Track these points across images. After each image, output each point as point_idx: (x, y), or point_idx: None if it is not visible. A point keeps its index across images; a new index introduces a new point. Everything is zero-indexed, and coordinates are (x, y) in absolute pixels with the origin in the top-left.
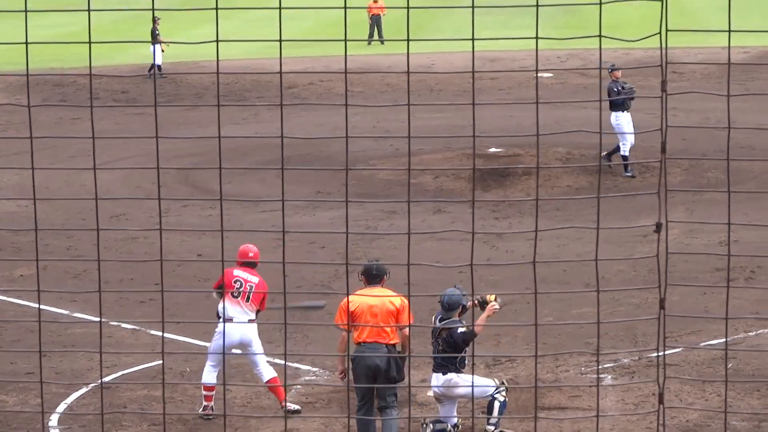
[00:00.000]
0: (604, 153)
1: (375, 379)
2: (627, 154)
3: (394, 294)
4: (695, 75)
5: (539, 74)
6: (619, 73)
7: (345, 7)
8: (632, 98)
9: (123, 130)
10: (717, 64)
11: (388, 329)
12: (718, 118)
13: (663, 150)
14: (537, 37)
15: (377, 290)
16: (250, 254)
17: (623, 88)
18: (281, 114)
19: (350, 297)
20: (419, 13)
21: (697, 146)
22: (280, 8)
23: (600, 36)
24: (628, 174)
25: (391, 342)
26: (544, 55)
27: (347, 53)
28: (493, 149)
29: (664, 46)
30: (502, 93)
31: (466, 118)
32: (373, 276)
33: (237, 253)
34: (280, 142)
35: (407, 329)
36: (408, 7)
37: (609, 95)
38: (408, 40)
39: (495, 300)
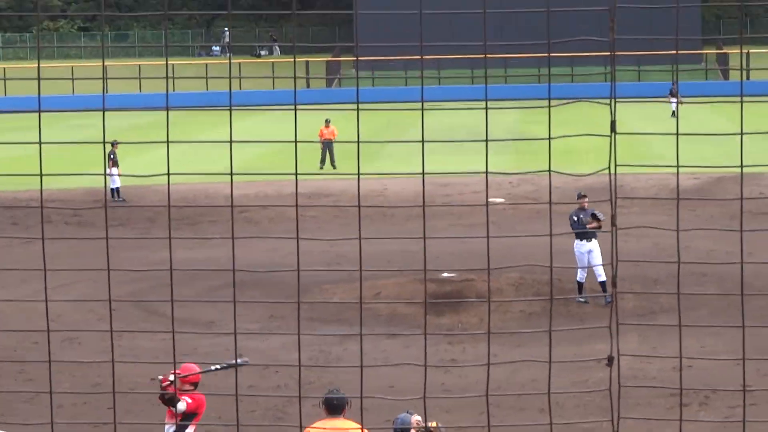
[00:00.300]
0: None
1: None
2: (582, 281)
3: (356, 426)
4: (645, 201)
5: (491, 199)
6: (585, 202)
7: (295, 141)
8: (586, 228)
9: (76, 254)
10: (666, 200)
11: None
12: (669, 244)
13: (614, 284)
14: (487, 172)
15: (338, 422)
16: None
17: (578, 218)
18: (233, 246)
19: (309, 429)
20: (371, 135)
21: (648, 271)
22: (231, 141)
23: (549, 171)
24: (581, 300)
25: None
26: (496, 181)
27: (300, 179)
28: (445, 274)
29: (613, 182)
30: (453, 218)
31: (419, 242)
32: (334, 407)
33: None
34: (232, 273)
35: None
36: (358, 141)
37: (570, 223)
38: (359, 174)
39: (437, 426)
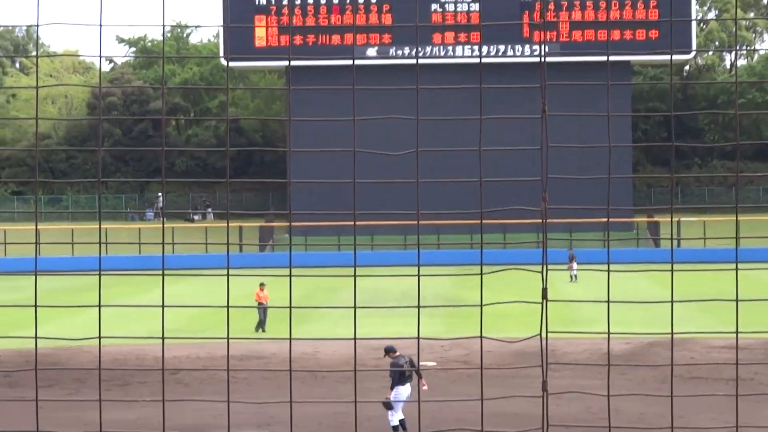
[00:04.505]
0: None
1: None
2: (396, 424)
3: None
4: (578, 366)
5: (423, 363)
6: (396, 352)
7: (227, 305)
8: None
9: (5, 413)
10: (597, 364)
11: None
12: (600, 407)
13: None
14: (419, 338)
15: None
16: None
17: (400, 365)
18: (163, 408)
19: None
20: (304, 299)
21: None
22: (163, 306)
23: (481, 337)
24: None
25: None
26: (428, 344)
27: (231, 342)
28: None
29: (545, 347)
30: (386, 380)
31: (350, 405)
32: None
33: None
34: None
35: None
36: (290, 306)
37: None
38: (290, 338)
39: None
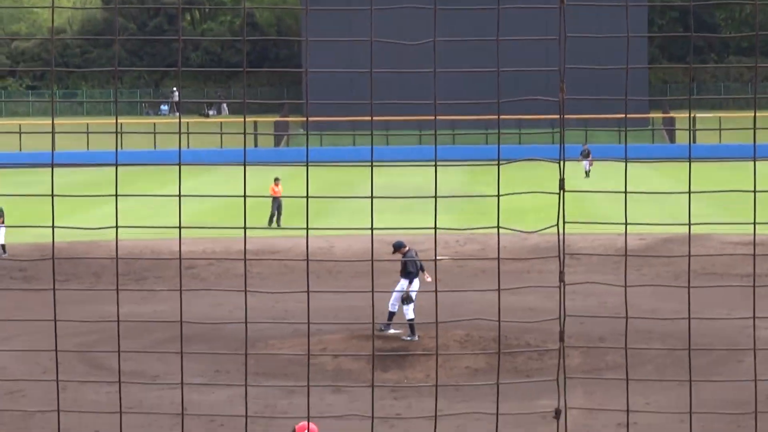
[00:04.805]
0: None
1: None
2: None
3: None
4: (592, 259)
5: (439, 257)
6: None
7: (244, 196)
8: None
9: (21, 308)
10: (615, 256)
11: None
12: (614, 302)
13: (561, 339)
14: (435, 228)
15: None
16: None
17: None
18: (180, 300)
19: None
20: (319, 194)
21: (595, 328)
22: (179, 195)
23: (498, 227)
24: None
25: None
26: (443, 239)
27: (247, 236)
28: (392, 331)
29: (561, 238)
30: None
31: (365, 298)
32: None
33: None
34: (179, 324)
35: None
36: (307, 197)
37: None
38: (307, 228)
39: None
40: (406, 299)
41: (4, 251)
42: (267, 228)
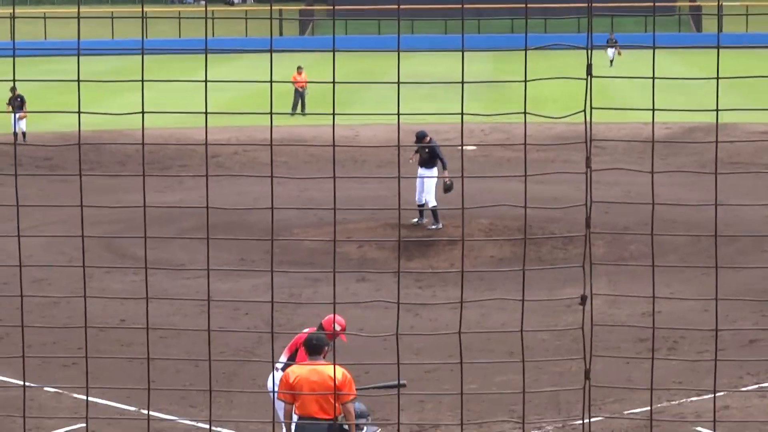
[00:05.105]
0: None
1: None
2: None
3: (336, 367)
4: (618, 149)
5: (464, 147)
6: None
7: (270, 81)
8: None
9: (46, 197)
10: (640, 141)
11: (327, 405)
12: (640, 191)
13: (588, 225)
14: (462, 113)
15: (318, 363)
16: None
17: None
18: (206, 184)
19: (290, 369)
20: (342, 85)
21: (619, 218)
22: (206, 81)
23: (525, 113)
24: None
25: (333, 417)
26: (468, 128)
27: (272, 125)
28: (415, 220)
29: (588, 123)
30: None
31: (390, 188)
32: (313, 347)
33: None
34: (204, 210)
35: (349, 404)
36: (333, 82)
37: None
38: (333, 113)
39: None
40: (447, 188)
41: (24, 138)
42: (291, 115)
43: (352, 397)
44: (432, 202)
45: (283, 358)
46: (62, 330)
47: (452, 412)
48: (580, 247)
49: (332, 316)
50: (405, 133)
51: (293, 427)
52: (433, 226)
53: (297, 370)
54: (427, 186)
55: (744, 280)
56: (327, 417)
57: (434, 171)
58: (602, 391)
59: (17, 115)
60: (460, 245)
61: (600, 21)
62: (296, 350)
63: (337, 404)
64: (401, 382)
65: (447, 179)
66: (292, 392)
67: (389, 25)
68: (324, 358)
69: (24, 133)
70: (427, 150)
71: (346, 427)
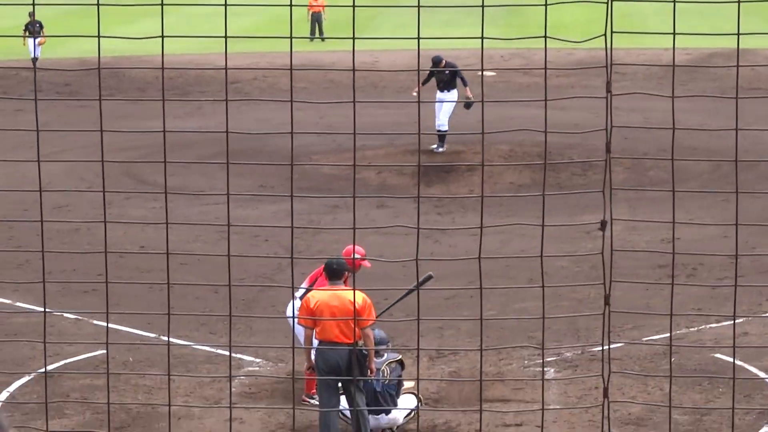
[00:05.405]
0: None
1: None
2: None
3: (356, 292)
4: (637, 75)
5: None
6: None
7: (291, 5)
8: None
9: (65, 123)
10: (661, 65)
11: (348, 329)
12: (660, 118)
13: (608, 149)
14: (483, 37)
15: (338, 288)
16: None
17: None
18: (226, 109)
19: (311, 294)
20: (360, 11)
21: (638, 145)
22: (225, 5)
23: (545, 37)
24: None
25: (353, 341)
26: (487, 54)
27: (291, 51)
28: (434, 146)
29: (609, 47)
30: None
31: (409, 114)
32: (333, 271)
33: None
34: (222, 136)
35: (368, 328)
36: (354, 6)
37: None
38: (354, 38)
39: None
40: (468, 105)
41: (34, 64)
42: (310, 40)
43: (371, 322)
44: (445, 126)
45: (305, 285)
46: (82, 257)
47: (471, 338)
48: (600, 174)
49: (352, 246)
50: (425, 59)
51: (313, 352)
52: (438, 148)
53: (317, 295)
54: (445, 108)
55: (764, 206)
56: (347, 341)
57: (453, 94)
58: (621, 318)
59: (36, 41)
60: (480, 171)
61: None
62: (316, 280)
63: (356, 329)
64: (427, 275)
65: (469, 96)
66: (312, 317)
67: None
68: (345, 284)
69: (37, 59)
70: (447, 72)
71: (365, 352)
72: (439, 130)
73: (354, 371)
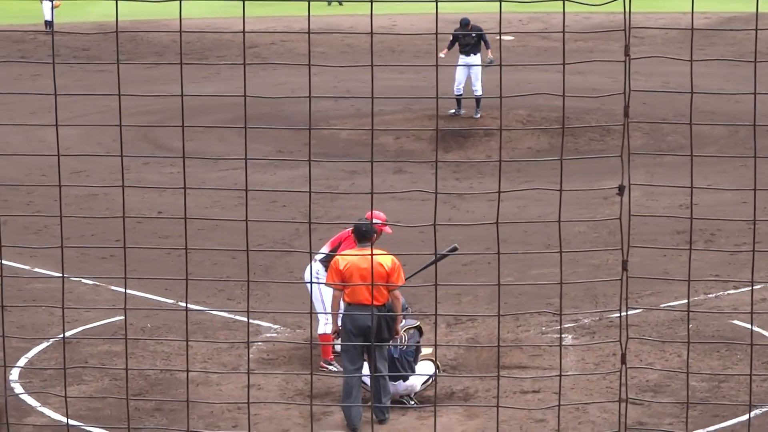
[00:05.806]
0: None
1: (365, 341)
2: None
3: (385, 254)
4: (656, 40)
5: (501, 37)
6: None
7: None
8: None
9: (83, 88)
10: (679, 29)
11: (377, 291)
12: (678, 83)
13: (626, 114)
14: (501, 0)
15: (367, 250)
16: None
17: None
18: (244, 73)
19: (340, 256)
20: None
21: (657, 110)
22: None
23: (564, 0)
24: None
25: (381, 303)
26: (506, 18)
27: (310, 12)
28: (452, 111)
29: (627, 10)
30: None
31: (427, 79)
32: (363, 233)
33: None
34: (240, 100)
35: (398, 290)
36: None
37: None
38: (372, 0)
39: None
40: (489, 62)
41: (51, 27)
42: (328, 4)
43: (401, 283)
44: (479, 90)
45: (325, 250)
46: (100, 222)
47: (489, 304)
48: (618, 139)
49: (371, 211)
50: (443, 23)
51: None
52: (477, 115)
53: (347, 257)
54: (475, 73)
55: None
56: (376, 303)
57: (478, 58)
58: (639, 284)
59: (52, 3)
60: (498, 136)
61: None
62: (339, 245)
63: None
64: (453, 246)
65: (491, 57)
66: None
67: None
68: (372, 245)
69: (50, 22)
70: (474, 35)
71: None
72: (458, 95)
73: (383, 333)
